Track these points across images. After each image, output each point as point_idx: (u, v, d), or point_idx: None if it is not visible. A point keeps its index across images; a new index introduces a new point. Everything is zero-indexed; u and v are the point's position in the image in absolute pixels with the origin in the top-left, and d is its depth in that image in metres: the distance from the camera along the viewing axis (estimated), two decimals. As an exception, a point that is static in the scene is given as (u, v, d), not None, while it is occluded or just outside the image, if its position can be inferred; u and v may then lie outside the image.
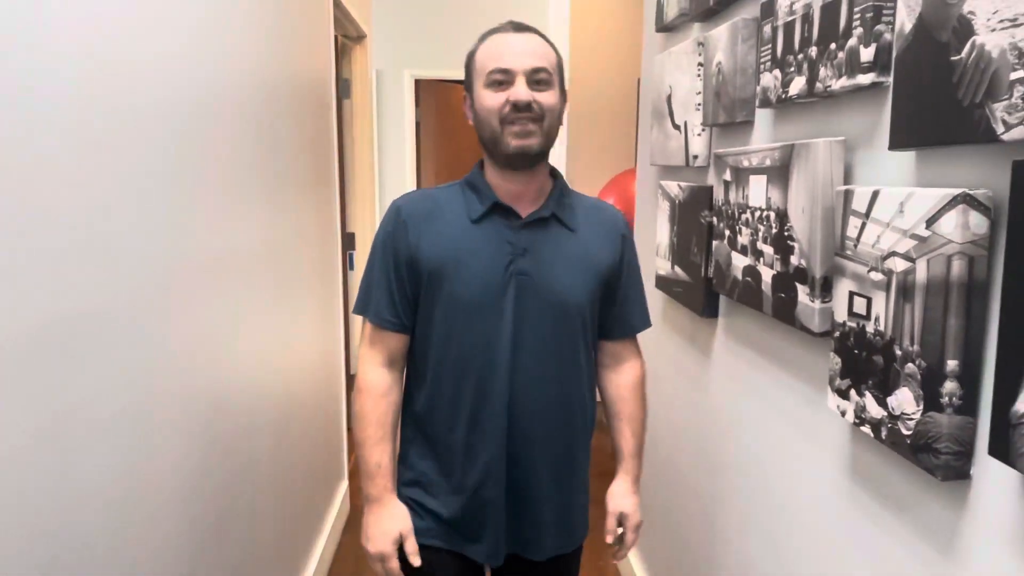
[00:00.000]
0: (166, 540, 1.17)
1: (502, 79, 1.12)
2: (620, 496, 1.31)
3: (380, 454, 1.23)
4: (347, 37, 3.32)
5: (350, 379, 3.54)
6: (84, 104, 0.93)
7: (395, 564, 1.18)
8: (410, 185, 4.81)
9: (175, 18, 1.21)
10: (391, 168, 4.80)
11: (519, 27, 1.18)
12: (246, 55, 1.61)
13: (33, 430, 0.82)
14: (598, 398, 1.33)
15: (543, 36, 1.19)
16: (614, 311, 1.28)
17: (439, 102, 4.97)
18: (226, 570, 1.45)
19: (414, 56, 4.70)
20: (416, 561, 1.19)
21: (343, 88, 3.32)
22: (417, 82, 4.80)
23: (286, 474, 1.94)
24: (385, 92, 4.69)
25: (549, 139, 1.16)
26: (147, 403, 1.11)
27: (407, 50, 4.68)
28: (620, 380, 1.32)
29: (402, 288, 1.20)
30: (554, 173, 1.25)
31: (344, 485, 2.80)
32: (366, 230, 3.57)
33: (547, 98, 1.13)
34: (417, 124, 4.87)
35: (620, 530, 1.32)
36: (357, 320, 3.57)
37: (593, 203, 1.32)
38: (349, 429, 3.41)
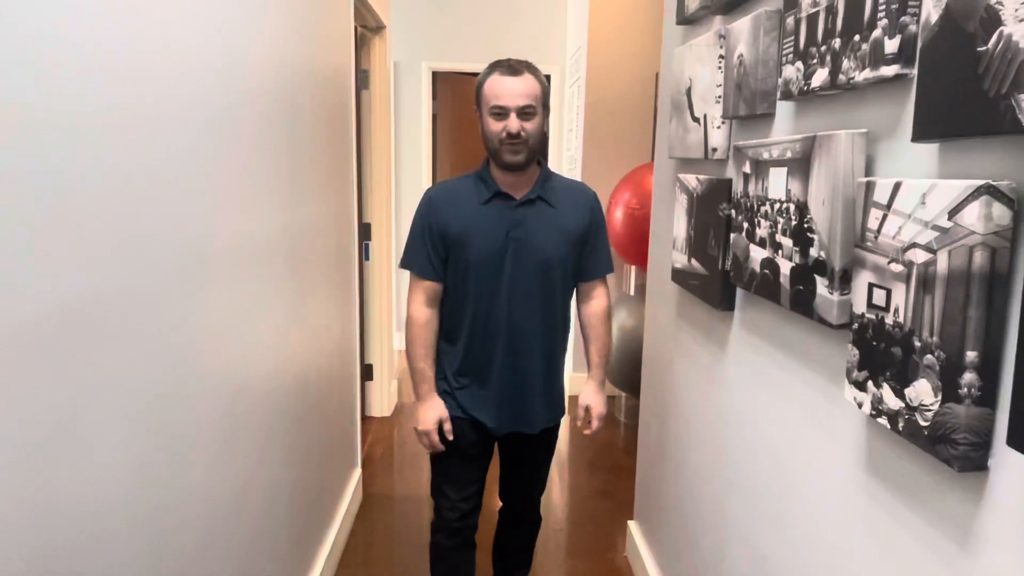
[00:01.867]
0: (185, 519, 1.19)
1: (500, 112, 1.61)
2: (587, 394, 1.85)
3: (426, 366, 1.76)
4: (366, 28, 3.33)
5: (365, 368, 3.57)
6: (117, 94, 0.95)
7: (436, 437, 1.73)
8: (426, 177, 4.84)
9: (204, 11, 1.22)
10: (408, 159, 4.82)
11: (514, 70, 1.61)
12: (269, 46, 1.62)
13: (60, 408, 0.84)
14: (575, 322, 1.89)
15: (532, 71, 1.64)
16: (585, 260, 1.80)
17: (456, 94, 4.98)
18: (242, 550, 1.47)
19: (432, 48, 4.71)
20: (450, 437, 1.74)
21: (362, 79, 3.33)
22: (435, 74, 4.81)
23: (301, 460, 1.96)
24: (403, 84, 4.71)
25: (533, 151, 1.66)
26: (171, 384, 1.13)
27: (425, 42, 4.69)
28: (590, 310, 1.85)
29: (436, 250, 1.72)
30: (540, 163, 1.74)
31: (357, 473, 2.83)
32: (382, 220, 3.59)
33: (531, 126, 1.62)
34: (434, 116, 4.89)
35: (592, 424, 1.85)
36: (373, 309, 3.60)
37: (569, 184, 1.83)
38: (364, 417, 3.45)
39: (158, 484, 1.09)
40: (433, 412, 1.73)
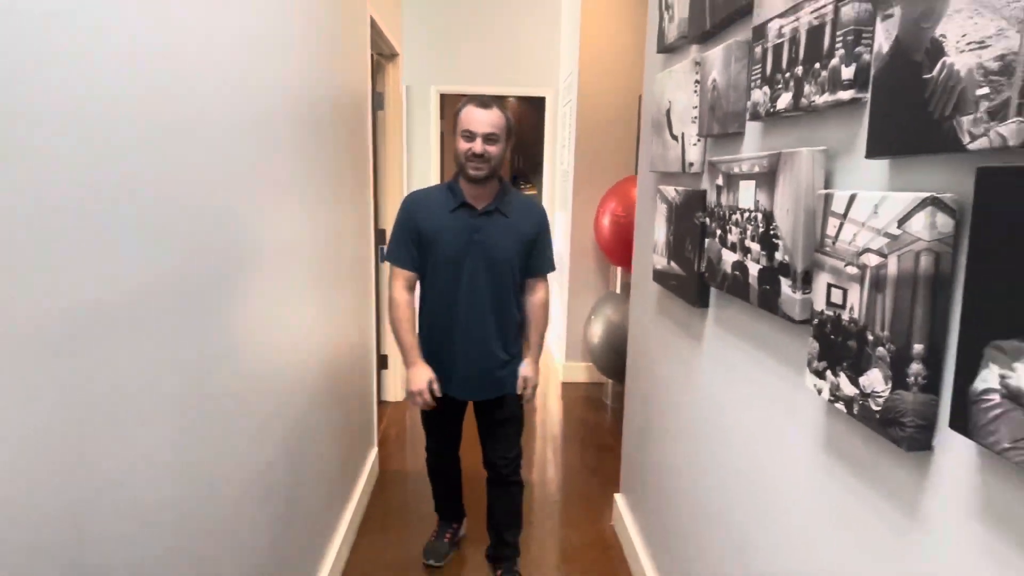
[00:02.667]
0: (219, 499, 1.19)
1: (469, 135, 1.76)
2: (525, 367, 1.99)
3: (412, 338, 1.93)
4: (381, 55, 3.33)
5: (381, 358, 3.57)
6: (174, 111, 0.95)
7: (428, 395, 1.89)
8: (435, 188, 4.82)
9: (245, 42, 1.22)
10: (418, 172, 4.82)
11: (485, 104, 1.77)
12: (299, 72, 1.62)
13: (107, 395, 0.85)
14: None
15: (499, 107, 1.79)
16: (531, 261, 1.95)
17: (461, 115, 4.97)
18: (274, 516, 1.47)
19: (440, 73, 4.70)
20: (439, 392, 1.92)
21: (377, 101, 3.33)
22: (442, 96, 4.81)
23: (326, 439, 1.97)
24: (414, 105, 4.71)
25: (494, 169, 1.81)
26: (214, 371, 1.13)
27: (434, 68, 4.69)
28: (532, 301, 2.00)
29: (413, 247, 1.88)
30: (501, 181, 1.89)
31: (374, 451, 2.83)
32: (396, 227, 3.58)
33: (494, 150, 1.78)
34: (441, 134, 4.89)
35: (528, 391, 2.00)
36: (386, 305, 3.60)
37: (523, 199, 1.96)
38: (379, 402, 3.45)
39: (200, 455, 1.09)
40: (423, 373, 1.89)
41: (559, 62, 4.65)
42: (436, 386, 1.90)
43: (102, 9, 0.81)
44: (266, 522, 1.43)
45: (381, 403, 3.64)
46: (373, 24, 2.71)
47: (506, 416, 2.01)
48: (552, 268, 2.00)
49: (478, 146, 1.75)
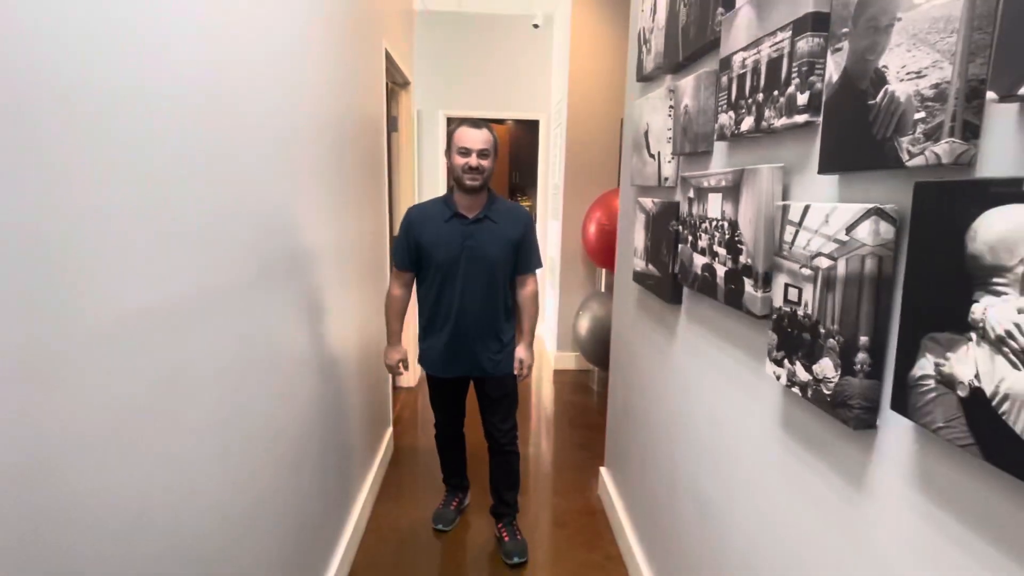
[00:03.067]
0: (252, 473, 1.19)
1: (465, 151, 1.80)
2: (519, 350, 2.00)
3: (397, 325, 2.01)
4: (396, 83, 3.32)
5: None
6: (220, 134, 0.94)
7: (401, 370, 2.05)
8: (442, 200, 4.81)
9: (281, 73, 1.22)
10: (428, 186, 4.81)
11: (477, 125, 1.82)
12: (325, 99, 1.62)
13: (158, 379, 0.84)
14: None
15: (488, 128, 1.83)
16: (519, 260, 1.95)
17: (466, 135, 4.96)
18: (301, 487, 1.47)
19: (447, 99, 4.69)
20: (407, 371, 2.10)
21: (392, 124, 3.32)
22: (449, 119, 4.80)
23: (348, 419, 1.96)
24: (424, 127, 4.70)
25: (486, 180, 1.84)
26: (254, 358, 1.13)
27: (442, 94, 4.68)
28: (523, 294, 2.01)
29: (412, 253, 1.91)
30: (489, 191, 1.90)
31: (389, 431, 2.82)
32: (408, 234, 3.57)
33: (486, 163, 1.81)
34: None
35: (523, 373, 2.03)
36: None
37: (510, 206, 1.97)
38: (394, 387, 3.44)
39: (232, 443, 1.09)
40: (395, 355, 2.02)
41: (551, 89, 4.65)
42: (405, 363, 2.05)
43: (160, 32, 0.81)
44: (296, 492, 1.43)
45: (395, 388, 3.63)
46: (388, 56, 2.71)
47: (503, 393, 2.02)
48: (539, 265, 2.01)
49: (474, 160, 1.79)
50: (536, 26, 4.48)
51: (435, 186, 4.81)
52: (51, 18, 0.64)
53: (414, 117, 3.70)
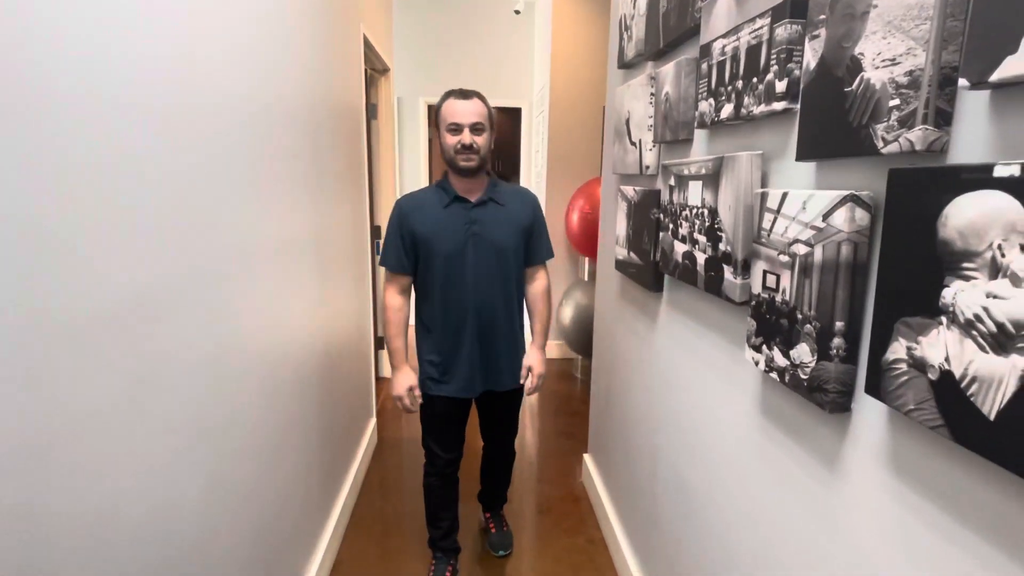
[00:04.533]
0: (233, 461, 1.18)
1: (456, 128, 1.55)
2: (530, 356, 1.76)
3: (400, 344, 1.70)
4: (375, 70, 3.27)
5: (378, 340, 3.55)
6: (185, 119, 0.92)
7: (408, 401, 1.67)
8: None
9: (248, 55, 1.19)
10: (409, 174, 4.76)
11: (465, 95, 1.56)
12: (299, 84, 1.58)
13: (133, 373, 0.83)
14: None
15: (479, 96, 1.57)
16: (529, 248, 1.73)
17: (447, 123, 4.90)
18: (284, 480, 1.46)
19: (427, 86, 4.64)
20: (420, 401, 1.70)
21: (371, 111, 3.27)
22: (429, 107, 4.74)
23: (330, 411, 1.95)
24: (404, 115, 4.64)
25: (483, 159, 1.59)
26: (224, 353, 1.11)
27: (422, 81, 4.62)
28: (533, 289, 1.78)
29: (406, 250, 1.64)
30: (489, 174, 1.67)
31: (373, 422, 2.81)
32: (390, 223, 3.54)
33: (480, 139, 1.57)
34: (429, 140, 4.83)
35: (534, 380, 1.76)
36: (381, 293, 3.57)
37: (514, 188, 1.72)
38: (377, 378, 3.42)
39: (212, 432, 1.07)
40: (404, 380, 1.66)
41: (533, 77, 4.62)
42: (417, 392, 1.68)
43: (121, 18, 0.78)
44: (277, 485, 1.42)
45: (379, 379, 3.61)
46: (366, 42, 2.66)
47: (515, 407, 1.85)
48: (551, 255, 1.77)
49: (466, 137, 1.54)
50: (518, 12, 4.44)
51: (417, 175, 4.77)
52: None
53: (394, 104, 3.65)
